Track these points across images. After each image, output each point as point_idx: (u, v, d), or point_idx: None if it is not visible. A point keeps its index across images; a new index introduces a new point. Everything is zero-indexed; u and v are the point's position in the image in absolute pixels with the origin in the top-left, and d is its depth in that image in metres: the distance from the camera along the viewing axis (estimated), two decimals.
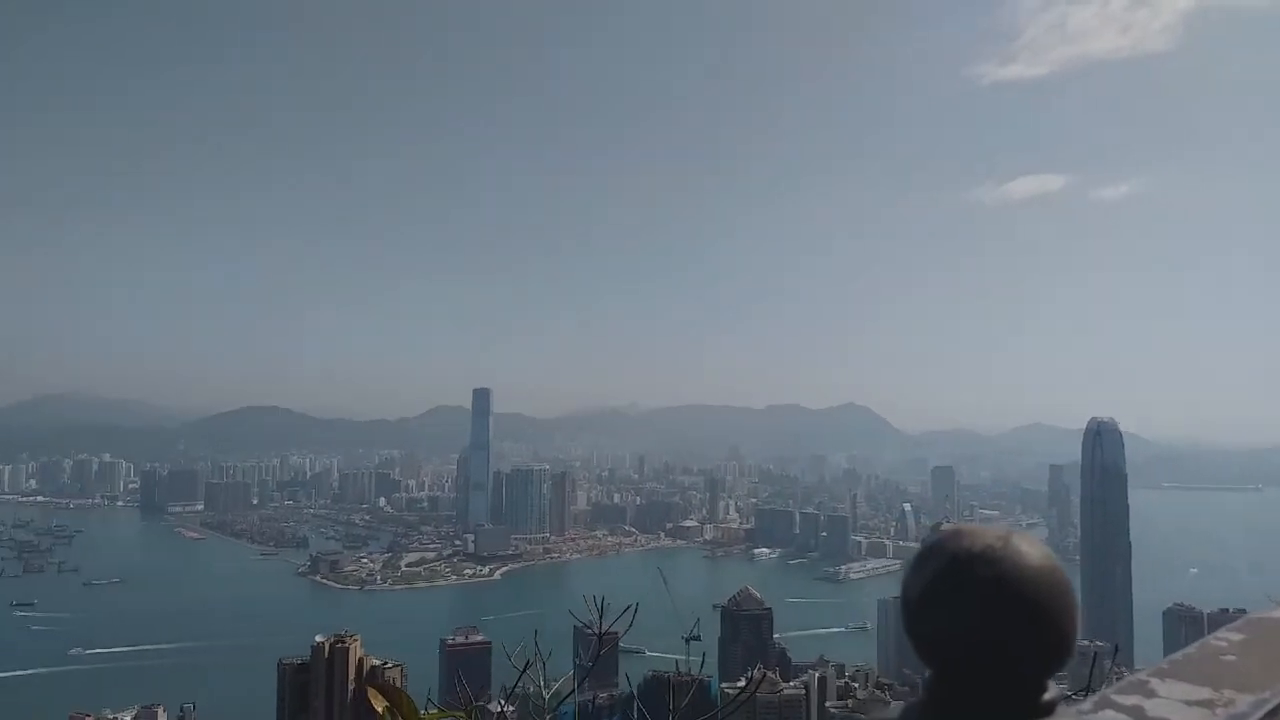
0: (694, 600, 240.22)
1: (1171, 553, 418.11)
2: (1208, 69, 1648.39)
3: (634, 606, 14.47)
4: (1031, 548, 2.43)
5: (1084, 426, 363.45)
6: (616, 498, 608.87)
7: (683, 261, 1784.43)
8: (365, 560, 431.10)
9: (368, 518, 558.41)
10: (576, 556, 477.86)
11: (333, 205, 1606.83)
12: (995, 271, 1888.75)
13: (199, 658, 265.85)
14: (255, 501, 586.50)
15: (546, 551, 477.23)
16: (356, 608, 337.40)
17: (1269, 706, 2.75)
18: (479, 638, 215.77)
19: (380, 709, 4.76)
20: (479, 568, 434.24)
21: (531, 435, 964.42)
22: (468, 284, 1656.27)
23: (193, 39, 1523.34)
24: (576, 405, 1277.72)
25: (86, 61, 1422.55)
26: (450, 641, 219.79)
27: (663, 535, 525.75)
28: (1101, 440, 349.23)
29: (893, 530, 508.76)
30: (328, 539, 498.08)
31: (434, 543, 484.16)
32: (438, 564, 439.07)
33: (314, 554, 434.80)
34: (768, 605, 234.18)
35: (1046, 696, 2.42)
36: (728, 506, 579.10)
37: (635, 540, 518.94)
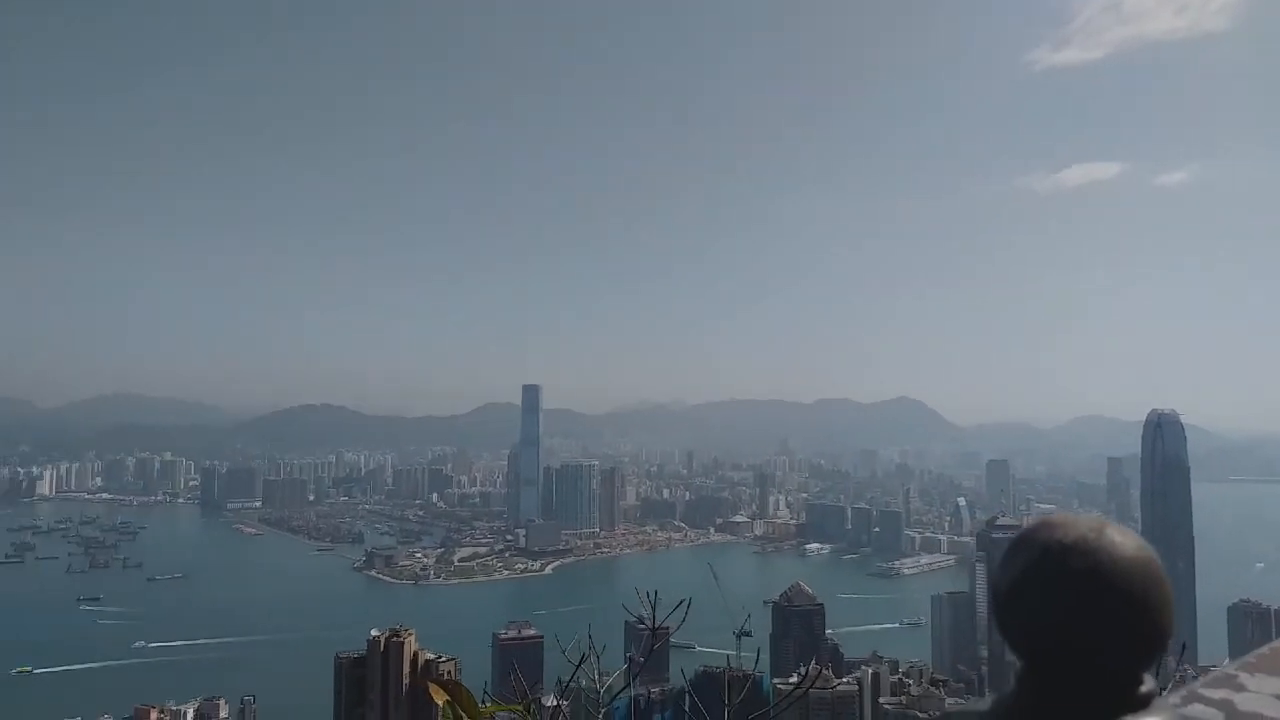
0: (745, 596, 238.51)
1: (1236, 547, 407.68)
2: (1268, 49, 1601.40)
3: (687, 601, 14.28)
4: (1126, 538, 2.39)
5: (1143, 418, 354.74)
6: (666, 493, 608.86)
7: (730, 256, 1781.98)
8: (419, 555, 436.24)
9: (421, 513, 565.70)
10: (627, 552, 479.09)
11: (385, 206, 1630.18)
12: (1049, 261, 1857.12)
13: (258, 651, 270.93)
14: (311, 498, 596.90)
15: (597, 547, 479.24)
16: (410, 602, 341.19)
17: None
18: (531, 632, 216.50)
19: (440, 703, 4.80)
20: (530, 562, 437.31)
21: (580, 431, 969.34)
22: (516, 282, 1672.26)
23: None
24: (624, 401, 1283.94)
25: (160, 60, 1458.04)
26: (503, 635, 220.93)
27: (712, 531, 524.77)
28: (1162, 432, 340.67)
29: (947, 525, 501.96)
30: (382, 534, 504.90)
31: (486, 538, 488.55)
32: (490, 559, 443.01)
33: (369, 549, 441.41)
34: (819, 601, 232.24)
35: (1142, 689, 2.37)
36: (778, 502, 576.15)
37: (685, 535, 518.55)
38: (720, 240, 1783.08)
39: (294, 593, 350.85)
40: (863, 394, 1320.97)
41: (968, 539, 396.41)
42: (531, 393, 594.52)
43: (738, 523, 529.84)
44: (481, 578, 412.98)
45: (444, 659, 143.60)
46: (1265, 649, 2.91)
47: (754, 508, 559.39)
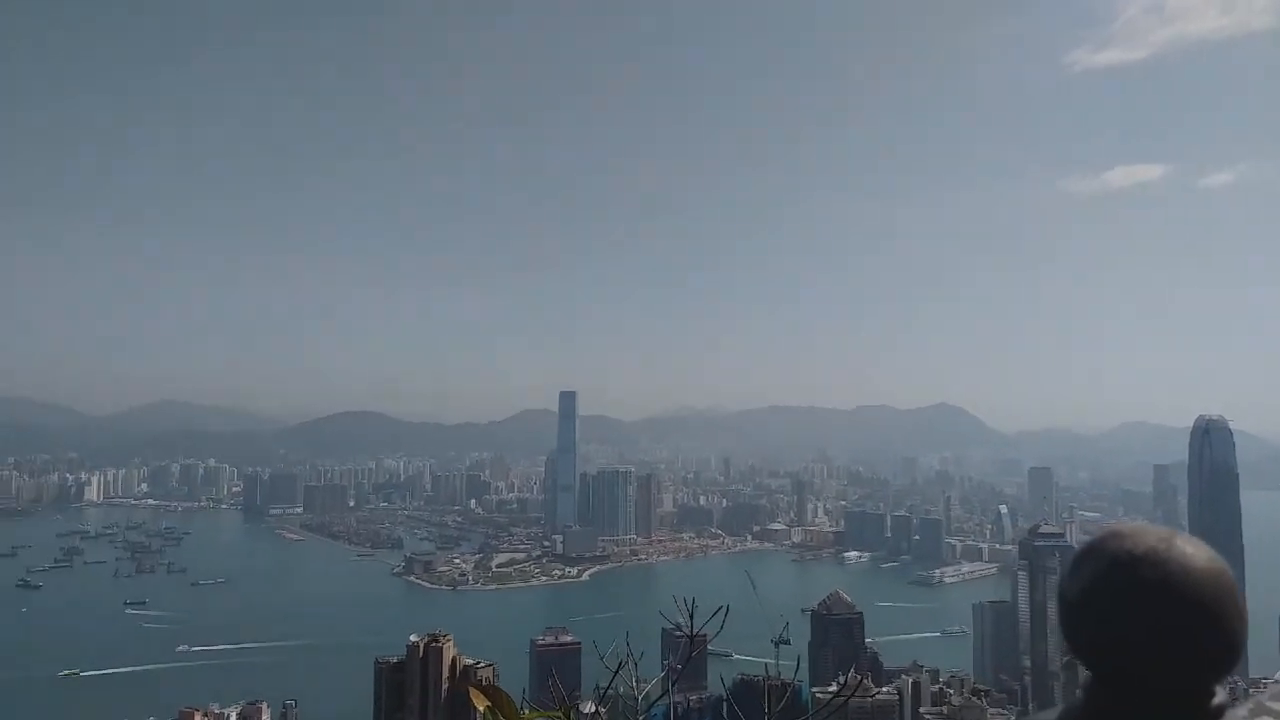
0: (783, 604, 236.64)
1: None
2: None
3: (725, 608, 14.21)
4: (1197, 549, 2.36)
5: (1190, 425, 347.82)
6: (702, 500, 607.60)
7: (770, 260, 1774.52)
8: (457, 561, 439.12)
9: (459, 519, 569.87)
10: (663, 559, 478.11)
11: (421, 214, 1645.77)
12: (1092, 264, 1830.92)
13: (299, 656, 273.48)
14: (352, 504, 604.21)
15: (633, 553, 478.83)
16: (449, 607, 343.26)
17: None
18: (569, 638, 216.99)
19: (481, 708, 4.77)
20: (567, 569, 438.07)
21: (616, 438, 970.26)
22: (553, 289, 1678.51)
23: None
24: (661, 407, 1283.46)
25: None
26: (540, 641, 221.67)
27: (749, 538, 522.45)
28: (1210, 438, 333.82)
29: (988, 533, 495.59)
30: (421, 540, 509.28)
31: (523, 544, 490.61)
32: (527, 565, 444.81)
33: (408, 555, 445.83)
34: (858, 609, 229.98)
35: (1215, 702, 2.35)
36: (816, 509, 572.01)
37: (722, 543, 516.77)
38: (760, 244, 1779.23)
39: (334, 598, 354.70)
40: (902, 400, 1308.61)
41: (1009, 547, 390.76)
42: (568, 399, 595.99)
43: (775, 530, 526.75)
44: (519, 584, 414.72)
45: (482, 664, 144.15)
46: None
47: (791, 515, 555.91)
